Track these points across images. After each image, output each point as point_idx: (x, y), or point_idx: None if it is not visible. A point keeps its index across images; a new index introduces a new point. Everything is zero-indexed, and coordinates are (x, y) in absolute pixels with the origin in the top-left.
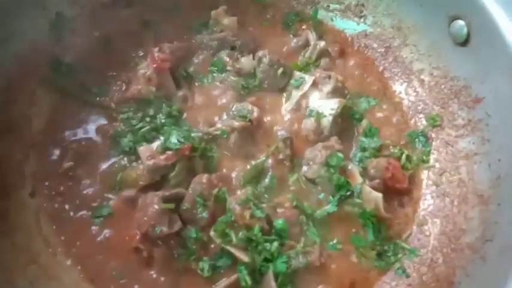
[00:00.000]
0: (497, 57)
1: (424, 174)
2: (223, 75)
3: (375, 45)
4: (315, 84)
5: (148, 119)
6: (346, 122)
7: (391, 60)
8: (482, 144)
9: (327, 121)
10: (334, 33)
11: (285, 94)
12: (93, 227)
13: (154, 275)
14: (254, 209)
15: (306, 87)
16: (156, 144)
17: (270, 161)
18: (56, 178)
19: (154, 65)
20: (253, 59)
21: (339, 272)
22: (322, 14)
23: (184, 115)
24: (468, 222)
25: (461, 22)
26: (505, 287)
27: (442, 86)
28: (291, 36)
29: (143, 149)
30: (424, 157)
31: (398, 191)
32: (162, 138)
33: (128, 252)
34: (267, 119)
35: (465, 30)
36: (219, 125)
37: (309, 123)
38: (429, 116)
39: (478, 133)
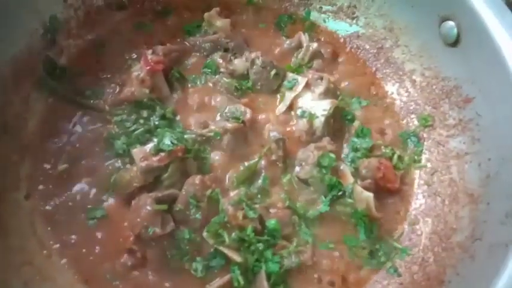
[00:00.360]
0: (486, 57)
1: (416, 174)
2: (216, 77)
3: (367, 46)
4: (307, 86)
5: (142, 121)
6: (338, 122)
7: (383, 61)
8: (473, 143)
9: (319, 122)
10: (326, 35)
11: (278, 95)
12: (88, 229)
13: (148, 276)
14: (247, 210)
15: (299, 88)
16: (149, 146)
17: (262, 162)
18: (50, 180)
19: (148, 67)
20: (246, 60)
21: (331, 272)
22: (314, 16)
23: (178, 117)
24: (459, 221)
25: (451, 23)
26: (493, 285)
27: (434, 87)
28: (284, 38)
29: (137, 151)
30: (416, 157)
31: (389, 190)
32: (155, 140)
33: (121, 253)
34: (260, 120)
35: (455, 31)
36: (212, 127)
37: (301, 124)
38: (421, 116)
39: (469, 133)
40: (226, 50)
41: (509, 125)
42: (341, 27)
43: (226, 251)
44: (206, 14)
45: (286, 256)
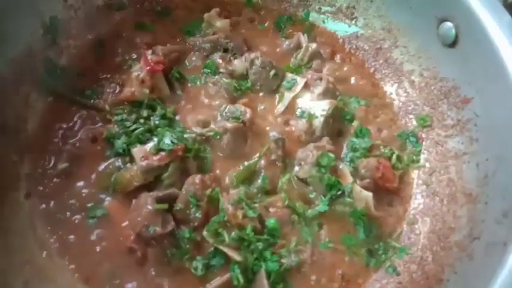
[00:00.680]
0: (484, 58)
1: (415, 174)
2: (216, 77)
3: (366, 47)
4: (306, 86)
5: (142, 121)
6: (337, 122)
7: (381, 61)
8: (471, 144)
9: (318, 122)
10: (325, 35)
11: (277, 96)
12: (88, 228)
13: (148, 275)
14: (246, 209)
15: (298, 88)
16: (149, 145)
17: (262, 161)
18: (50, 180)
19: (148, 67)
20: (246, 61)
21: (330, 271)
22: (313, 17)
23: (178, 117)
24: (457, 221)
25: (449, 24)
26: (491, 283)
27: (432, 87)
28: (283, 38)
29: (137, 150)
30: (415, 157)
31: (388, 190)
32: (155, 139)
33: (122, 252)
34: (259, 120)
35: (453, 31)
36: (212, 126)
37: (300, 124)
38: (419, 117)
39: (467, 133)
40: (225, 51)
41: (507, 125)
42: (340, 28)
43: (226, 250)
44: (206, 15)
45: (286, 255)
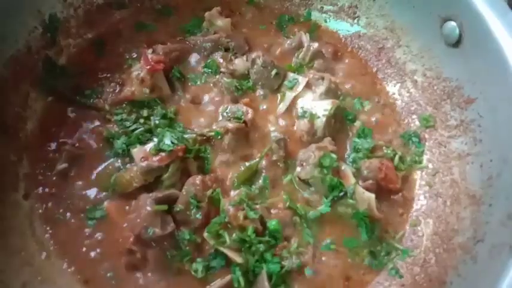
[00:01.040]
0: (488, 58)
1: (418, 175)
2: (217, 76)
3: (369, 47)
4: (308, 86)
5: (142, 121)
6: (339, 123)
7: (384, 61)
8: (475, 144)
9: (320, 122)
10: (327, 35)
11: (278, 95)
12: (87, 229)
13: (148, 277)
14: (248, 210)
15: (300, 88)
16: (149, 145)
17: (263, 162)
18: (49, 180)
19: (148, 67)
20: (247, 60)
21: (332, 273)
22: (315, 16)
23: (178, 116)
24: (460, 223)
25: (453, 23)
26: (496, 286)
27: (435, 87)
28: (285, 37)
29: (136, 151)
30: (417, 158)
31: (391, 191)
32: (155, 139)
33: (121, 254)
34: (261, 120)
35: (457, 31)
36: (213, 126)
37: (302, 124)
38: (422, 117)
39: (470, 134)
40: (227, 50)
41: (511, 126)
42: (342, 27)
43: (226, 251)
44: (207, 14)
45: (287, 257)
